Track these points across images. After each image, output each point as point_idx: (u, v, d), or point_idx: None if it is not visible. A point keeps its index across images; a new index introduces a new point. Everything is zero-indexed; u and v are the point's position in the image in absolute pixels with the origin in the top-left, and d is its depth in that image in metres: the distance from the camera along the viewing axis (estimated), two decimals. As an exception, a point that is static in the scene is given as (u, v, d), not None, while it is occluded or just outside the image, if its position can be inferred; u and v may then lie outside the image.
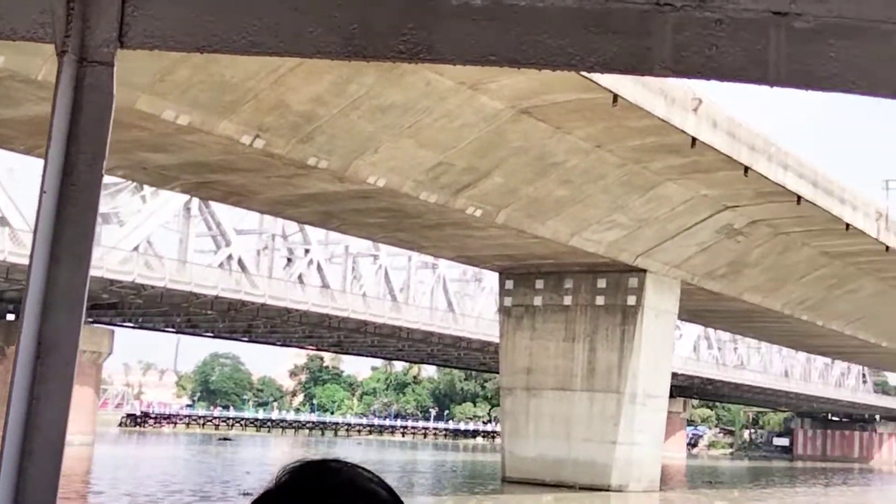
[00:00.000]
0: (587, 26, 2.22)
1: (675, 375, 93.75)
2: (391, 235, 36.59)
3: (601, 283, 39.78)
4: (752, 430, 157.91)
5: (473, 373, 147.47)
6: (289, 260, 71.80)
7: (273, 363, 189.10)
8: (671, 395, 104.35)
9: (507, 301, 41.87)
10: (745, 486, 55.49)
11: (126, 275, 51.55)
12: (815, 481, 67.96)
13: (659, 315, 39.90)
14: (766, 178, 31.78)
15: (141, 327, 68.40)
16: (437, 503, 32.25)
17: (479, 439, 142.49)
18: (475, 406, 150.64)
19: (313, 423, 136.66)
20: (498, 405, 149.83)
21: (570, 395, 39.79)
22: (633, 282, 39.23)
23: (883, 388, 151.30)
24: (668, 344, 41.21)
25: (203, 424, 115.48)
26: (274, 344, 79.17)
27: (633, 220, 35.36)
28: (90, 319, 57.82)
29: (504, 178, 30.34)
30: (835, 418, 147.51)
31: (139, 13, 1.73)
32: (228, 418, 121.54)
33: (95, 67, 1.65)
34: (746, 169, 31.16)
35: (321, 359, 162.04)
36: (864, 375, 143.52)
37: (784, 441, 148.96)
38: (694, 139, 28.60)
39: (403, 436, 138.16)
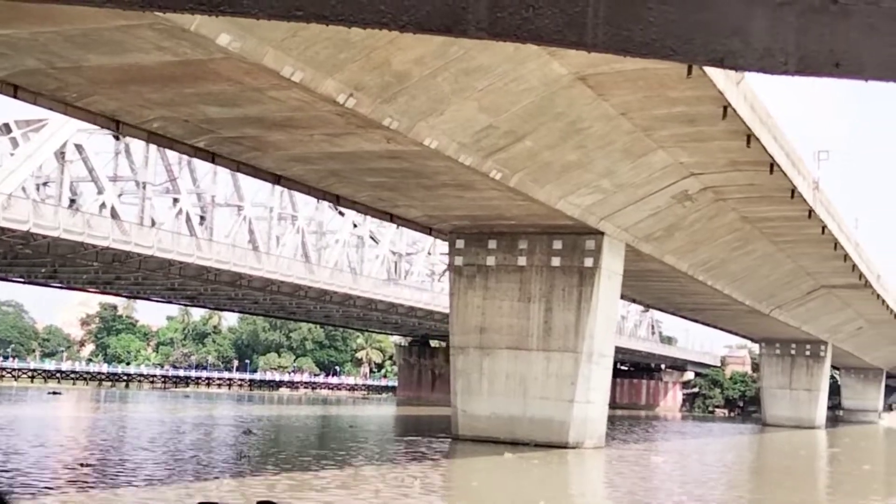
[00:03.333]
0: None
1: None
2: (376, 194, 36.08)
3: (557, 245, 40.48)
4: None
5: (278, 322, 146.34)
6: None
7: (56, 311, 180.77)
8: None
9: (458, 260, 42.01)
10: (636, 437, 57.69)
11: (20, 224, 48.48)
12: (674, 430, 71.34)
13: (610, 276, 41.06)
14: (764, 148, 33.14)
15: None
16: (451, 467, 32.21)
17: (284, 390, 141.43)
18: (280, 356, 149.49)
19: (108, 374, 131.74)
20: (303, 356, 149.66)
21: (527, 355, 40.44)
22: (590, 244, 40.13)
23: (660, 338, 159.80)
24: (615, 304, 42.48)
25: (16, 377, 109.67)
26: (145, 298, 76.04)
27: (614, 184, 36.18)
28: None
29: (533, 143, 30.50)
30: (623, 367, 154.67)
31: None
32: (30, 369, 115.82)
33: None
34: (749, 139, 32.43)
35: (114, 307, 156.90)
36: (652, 327, 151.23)
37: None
38: (725, 110, 29.55)
39: (209, 386, 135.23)
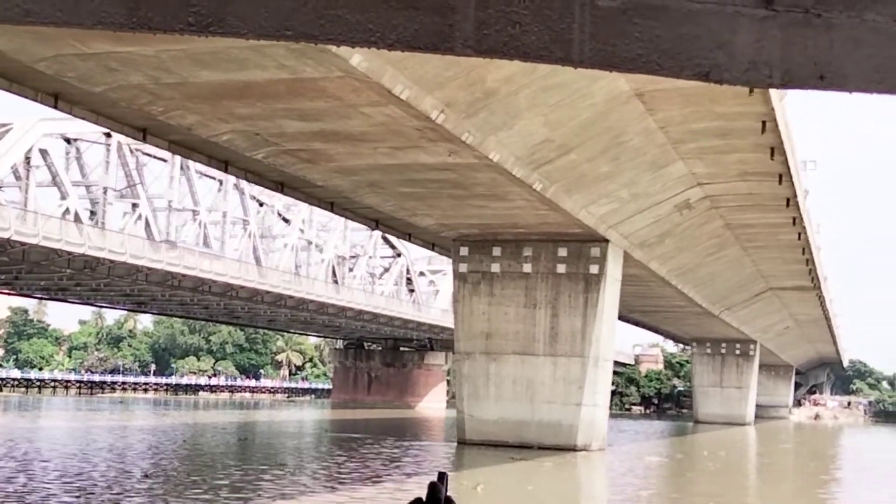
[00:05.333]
0: (388, 1, 2.15)
1: (442, 329, 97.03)
2: (401, 204, 36.41)
3: (562, 252, 41.31)
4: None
5: (197, 326, 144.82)
6: (92, 213, 68.23)
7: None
8: (432, 348, 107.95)
9: (463, 267, 42.55)
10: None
11: (2, 231, 47.59)
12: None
13: (612, 282, 42.05)
14: (786, 160, 34.43)
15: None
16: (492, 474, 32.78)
17: (204, 394, 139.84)
18: (199, 360, 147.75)
19: (21, 380, 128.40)
20: (223, 359, 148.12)
21: (533, 360, 41.20)
22: (595, 251, 41.06)
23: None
24: (615, 309, 43.43)
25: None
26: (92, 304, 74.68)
27: (631, 194, 37.16)
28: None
29: (577, 155, 31.26)
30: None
31: None
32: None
33: None
34: (773, 151, 33.67)
35: (25, 311, 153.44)
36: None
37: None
38: (764, 124, 30.67)
39: (133, 391, 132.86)
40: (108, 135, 62.58)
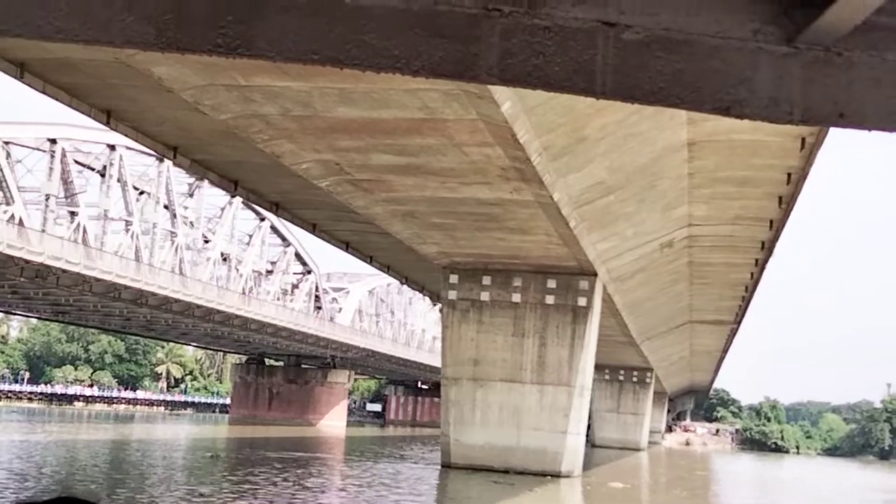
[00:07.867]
0: (413, 28, 2.24)
1: (350, 347, 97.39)
2: (419, 232, 37.10)
3: (551, 284, 42.64)
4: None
5: (75, 334, 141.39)
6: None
7: None
8: (334, 366, 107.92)
9: (452, 294, 43.47)
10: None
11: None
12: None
13: (595, 314, 43.60)
14: (790, 209, 36.45)
15: None
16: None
17: (79, 404, 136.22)
18: (76, 370, 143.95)
19: None
20: (101, 369, 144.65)
21: (520, 387, 42.38)
22: (583, 284, 42.52)
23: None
24: (596, 340, 44.97)
25: None
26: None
27: (635, 233, 38.71)
28: None
29: (615, 197, 32.62)
30: (424, 386, 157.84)
31: None
32: None
33: None
34: (780, 199, 35.63)
35: None
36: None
37: (377, 407, 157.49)
38: (789, 176, 32.52)
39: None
40: (53, 141, 61.45)
